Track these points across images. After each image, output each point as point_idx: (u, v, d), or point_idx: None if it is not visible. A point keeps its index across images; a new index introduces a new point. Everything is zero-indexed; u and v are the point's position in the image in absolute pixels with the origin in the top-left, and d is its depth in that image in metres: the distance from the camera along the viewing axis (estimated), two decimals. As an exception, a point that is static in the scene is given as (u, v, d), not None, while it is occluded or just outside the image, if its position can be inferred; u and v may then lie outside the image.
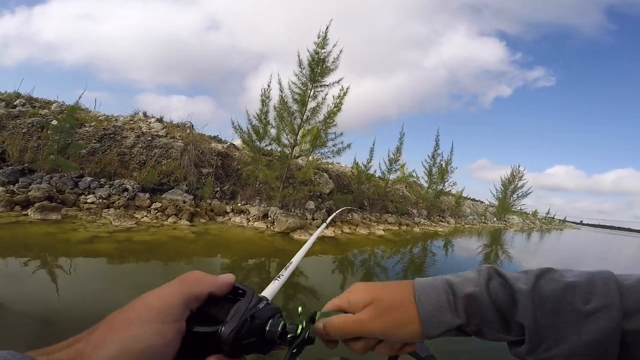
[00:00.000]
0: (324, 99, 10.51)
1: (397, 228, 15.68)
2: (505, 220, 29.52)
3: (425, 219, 19.55)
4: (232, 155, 12.11)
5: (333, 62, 10.61)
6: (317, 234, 1.39)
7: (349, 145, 11.77)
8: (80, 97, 9.64)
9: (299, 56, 10.54)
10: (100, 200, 8.34)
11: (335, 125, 11.01)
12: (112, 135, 10.43)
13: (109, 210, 8.05)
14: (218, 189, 10.67)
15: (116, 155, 9.89)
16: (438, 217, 21.72)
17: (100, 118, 11.55)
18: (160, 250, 6.38)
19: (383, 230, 13.66)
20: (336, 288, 5.81)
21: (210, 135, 13.84)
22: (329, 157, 11.40)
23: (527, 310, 0.37)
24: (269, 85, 11.22)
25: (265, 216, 10.15)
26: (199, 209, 9.33)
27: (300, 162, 13.41)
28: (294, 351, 0.37)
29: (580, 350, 0.34)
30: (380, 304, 0.42)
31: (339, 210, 3.04)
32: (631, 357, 0.33)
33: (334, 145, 11.12)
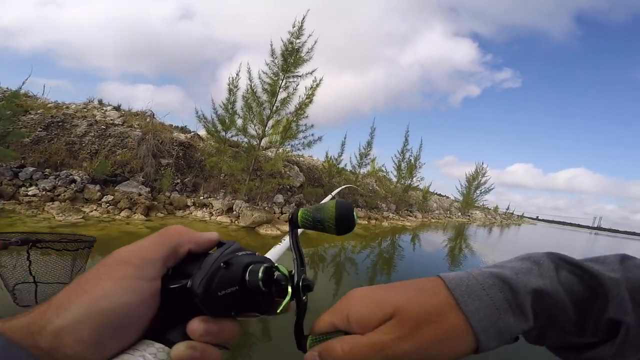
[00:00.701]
0: (295, 89, 10.12)
1: (367, 222, 15.60)
2: (469, 215, 30.46)
3: (393, 213, 19.67)
4: (196, 146, 11.44)
5: (307, 52, 10.21)
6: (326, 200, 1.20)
7: (320, 138, 11.44)
8: (24, 82, 8.66)
9: (271, 45, 10.06)
10: (44, 192, 7.51)
11: (307, 117, 10.64)
12: (60, 124, 9.49)
13: (53, 204, 7.26)
14: (178, 181, 10.00)
15: (64, 145, 9.00)
16: (406, 211, 21.96)
17: (49, 105, 10.50)
18: (109, 248, 5.72)
19: (352, 224, 13.51)
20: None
21: (173, 125, 13.03)
22: (299, 150, 11.02)
23: (625, 303, 0.29)
24: (237, 74, 10.68)
25: (229, 210, 9.63)
26: (156, 203, 8.67)
27: (270, 154, 12.93)
28: (304, 300, 0.31)
29: None
30: (405, 317, 0.29)
31: (341, 187, 2.85)
32: None
33: (304, 138, 10.74)
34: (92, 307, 0.23)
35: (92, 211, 7.52)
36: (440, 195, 33.31)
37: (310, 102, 10.40)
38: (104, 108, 11.27)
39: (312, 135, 10.80)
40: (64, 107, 10.72)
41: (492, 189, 28.95)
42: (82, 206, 7.62)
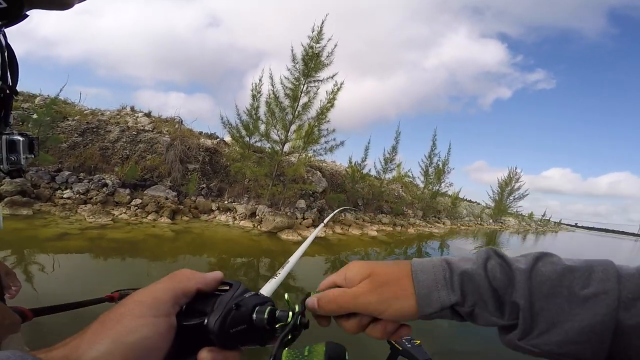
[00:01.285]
0: (316, 93, 10.07)
1: (392, 229, 15.23)
2: (502, 222, 29.07)
3: (420, 219, 19.10)
4: (222, 152, 11.64)
5: (327, 56, 10.17)
6: (314, 234, 1.37)
7: (342, 143, 11.32)
8: (61, 89, 9.23)
9: (292, 50, 10.10)
10: (78, 195, 7.88)
11: (328, 121, 10.56)
12: (95, 129, 9.96)
13: (85, 206, 7.59)
14: (204, 185, 10.20)
15: (98, 150, 9.43)
16: (434, 218, 21.29)
17: (85, 112, 11.08)
18: (134, 250, 5.92)
19: (376, 231, 13.21)
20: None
21: (201, 132, 13.38)
22: (321, 155, 10.93)
23: (524, 289, 0.35)
24: (260, 80, 10.81)
25: (252, 215, 9.69)
26: (182, 207, 8.87)
27: (293, 159, 12.96)
28: (288, 338, 0.36)
29: (574, 337, 0.33)
30: (376, 278, 0.41)
31: (336, 211, 2.96)
32: (622, 349, 0.32)
33: (326, 142, 10.66)
34: (119, 340, 0.27)
35: (121, 214, 7.79)
36: (470, 201, 32.07)
37: (332, 106, 10.32)
38: (136, 114, 11.74)
39: (334, 140, 10.69)
40: (99, 113, 11.27)
41: (527, 194, 27.49)
42: (112, 209, 7.92)
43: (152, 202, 8.31)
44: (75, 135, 9.56)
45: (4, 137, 0.68)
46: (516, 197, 27.63)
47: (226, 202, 10.13)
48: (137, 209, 8.06)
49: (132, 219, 7.72)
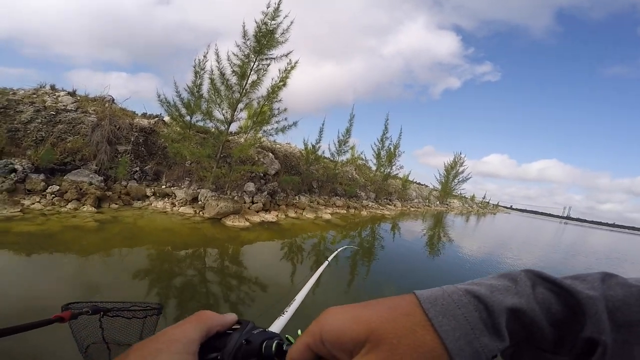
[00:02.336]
0: (266, 71, 9.37)
1: (345, 211, 15.19)
2: (447, 204, 30.55)
3: (373, 202, 19.32)
4: (160, 132, 10.58)
5: (282, 34, 9.44)
6: (320, 270, 1.36)
7: (295, 124, 10.81)
8: None
9: (244, 26, 9.23)
10: (-24, 183, 6.61)
11: (280, 100, 9.94)
12: (2, 110, 8.47)
13: (-11, 196, 6.38)
14: (137, 169, 9.20)
15: (6, 132, 8.03)
16: (386, 200, 21.68)
17: (-10, 89, 9.41)
18: (47, 245, 5.03)
19: (330, 214, 13.03)
20: (282, 277, 4.89)
21: (135, 112, 12.05)
22: (271, 135, 10.32)
23: (603, 323, 0.28)
24: (205, 56, 9.86)
25: (194, 200, 8.94)
26: (110, 193, 7.89)
27: (242, 140, 12.19)
28: None
29: None
30: (383, 343, 0.27)
31: (339, 249, 2.67)
32: None
33: (277, 123, 10.06)
34: None
35: (33, 203, 6.69)
36: (419, 184, 33.32)
37: (284, 85, 9.71)
38: (57, 93, 10.22)
39: (286, 119, 10.13)
40: (10, 92, 9.64)
41: (469, 178, 29.14)
42: (23, 198, 6.78)
43: (73, 189, 7.25)
44: (-25, 113, 8.05)
45: None
46: (460, 180, 29.14)
47: (164, 186, 9.23)
48: (54, 197, 6.98)
49: (48, 208, 6.66)
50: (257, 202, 9.98)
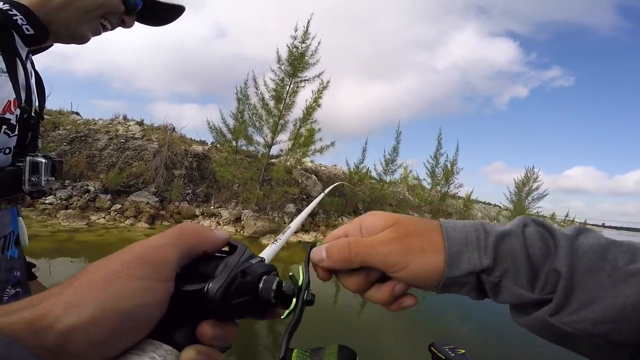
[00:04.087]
0: (295, 92, 10.01)
1: (394, 233, 14.87)
2: (521, 226, 27.87)
3: (428, 223, 18.56)
4: (212, 157, 11.73)
5: (311, 55, 10.12)
6: (315, 202, 1.36)
7: (332, 144, 11.23)
8: (45, 99, 9.52)
9: (277, 52, 10.13)
10: (60, 201, 8.09)
11: (314, 121, 10.47)
12: (84, 138, 10.28)
13: (67, 212, 7.77)
14: (189, 191, 10.29)
15: (85, 157, 9.70)
16: (444, 222, 20.66)
17: (78, 122, 11.47)
18: (99, 252, 5.95)
19: (374, 234, 12.90)
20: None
21: (193, 138, 13.57)
22: (307, 156, 10.82)
23: (567, 257, 0.32)
24: (245, 83, 10.86)
25: (237, 220, 9.67)
26: (163, 212, 8.97)
27: (289, 164, 12.90)
28: (297, 310, 0.32)
29: (612, 315, 0.30)
30: (402, 226, 0.37)
31: (333, 185, 2.89)
32: None
33: (313, 144, 10.55)
34: (109, 307, 0.22)
35: (99, 219, 7.93)
36: (487, 204, 31.03)
37: (318, 105, 10.24)
38: (128, 123, 12.05)
39: (320, 139, 10.58)
40: (92, 123, 11.63)
41: (546, 194, 26.19)
42: (92, 214, 8.08)
43: (132, 207, 8.43)
44: (64, 143, 9.88)
45: (27, 158, 0.71)
46: (535, 197, 26.47)
47: (212, 207, 10.16)
48: (116, 214, 8.20)
49: (110, 223, 7.85)
50: (296, 222, 10.41)
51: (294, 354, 0.34)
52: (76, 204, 8.09)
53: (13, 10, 0.67)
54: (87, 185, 8.80)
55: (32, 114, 0.73)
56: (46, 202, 8.02)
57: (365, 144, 14.73)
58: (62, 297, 0.22)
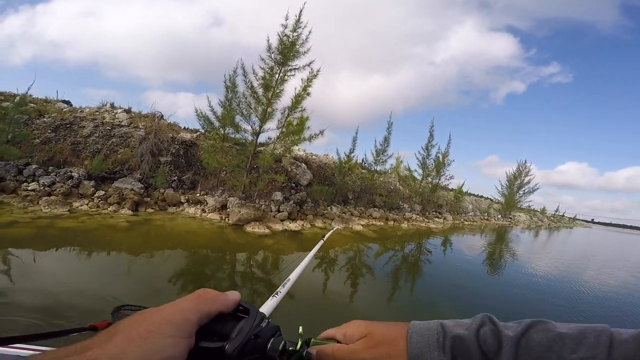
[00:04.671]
0: (284, 80, 9.98)
1: (383, 223, 14.99)
2: (510, 218, 28.18)
3: (418, 214, 18.74)
4: (200, 145, 11.71)
5: (302, 44, 10.07)
6: (313, 251, 1.41)
7: (321, 132, 11.24)
8: (29, 88, 9.48)
9: (268, 40, 10.06)
10: (43, 188, 8.08)
11: (303, 110, 10.46)
12: (68, 125, 10.22)
13: (49, 198, 7.76)
14: (176, 178, 10.29)
15: (70, 145, 9.66)
16: (434, 212, 20.85)
17: (64, 110, 11.38)
18: (79, 238, 6.00)
19: (363, 225, 13.01)
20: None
21: (181, 126, 13.51)
22: (297, 145, 10.83)
23: (509, 355, 0.38)
24: (234, 72, 10.80)
25: (223, 207, 9.72)
26: (148, 199, 8.98)
27: (278, 152, 12.90)
28: None
29: None
30: (373, 337, 0.45)
31: (331, 231, 2.89)
32: None
33: (300, 132, 10.55)
34: (145, 358, 0.28)
35: (82, 205, 7.94)
36: (480, 196, 31.28)
37: (307, 94, 10.22)
38: (115, 111, 11.98)
39: (308, 128, 10.59)
40: (78, 110, 11.54)
41: (537, 189, 26.62)
42: (75, 201, 8.08)
43: (116, 194, 8.43)
44: (49, 131, 9.82)
45: None
46: (526, 191, 26.78)
47: (198, 194, 10.18)
48: (99, 201, 8.20)
49: (93, 210, 7.86)
50: (282, 211, 10.47)
51: (311, 342, 0.45)
52: (59, 190, 8.08)
53: None
54: (71, 172, 8.78)
55: None
56: (28, 188, 8.01)
57: (356, 133, 14.79)
58: (105, 349, 0.28)
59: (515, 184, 26.47)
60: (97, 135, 10.25)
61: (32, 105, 10.85)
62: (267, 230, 8.87)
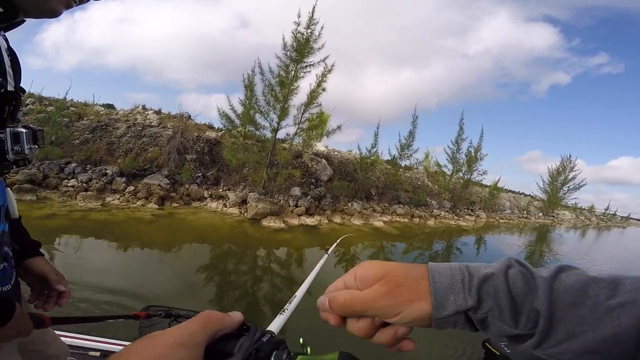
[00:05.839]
0: (300, 77, 10.37)
1: (407, 220, 14.91)
2: (553, 216, 26.68)
3: (448, 211, 18.40)
4: (224, 143, 12.40)
5: (314, 40, 10.41)
6: (319, 265, 1.37)
7: (339, 127, 11.55)
8: (66, 93, 10.60)
9: (283, 38, 10.50)
10: (80, 184, 9.04)
11: (319, 105, 10.80)
12: (104, 127, 11.27)
13: (85, 193, 8.69)
14: (200, 174, 11.00)
15: (105, 144, 10.66)
16: (466, 210, 20.33)
17: (101, 112, 12.53)
18: (107, 229, 6.74)
19: (384, 222, 13.06)
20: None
21: (214, 125, 14.37)
22: (315, 140, 11.20)
23: (545, 297, 0.36)
24: (253, 71, 11.33)
25: (243, 202, 10.27)
26: (174, 194, 9.72)
27: (299, 148, 13.34)
28: None
29: (594, 347, 0.33)
30: (391, 279, 0.41)
31: (339, 240, 2.90)
32: None
33: (307, 128, 10.98)
34: None
35: (113, 200, 8.80)
36: (520, 193, 29.92)
37: (323, 90, 10.54)
38: (146, 112, 12.98)
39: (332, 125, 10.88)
40: (114, 113, 12.64)
41: (584, 185, 24.89)
42: (108, 196, 8.96)
43: (144, 189, 9.24)
44: (87, 132, 10.90)
45: (8, 129, 0.75)
46: (571, 187, 25.23)
47: (220, 190, 10.83)
48: (129, 195, 9.04)
49: (123, 204, 8.69)
50: (300, 206, 10.86)
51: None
52: (94, 186, 9.01)
53: None
54: (105, 170, 9.73)
55: (9, 89, 0.76)
56: (68, 185, 9.00)
57: (377, 128, 14.83)
58: None
59: (559, 180, 25.02)
60: (129, 135, 11.21)
61: (73, 108, 12.07)
62: (282, 225, 9.29)
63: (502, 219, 22.11)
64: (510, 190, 27.65)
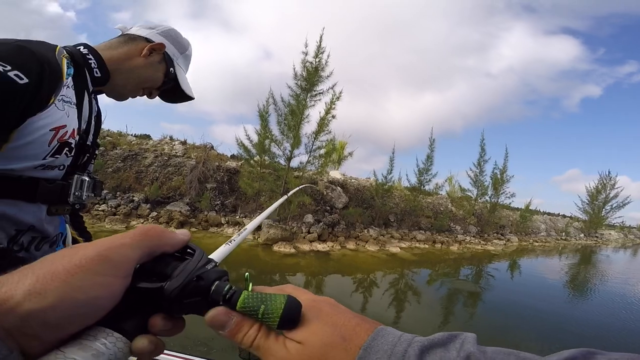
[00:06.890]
0: (311, 106, 11.11)
1: (428, 246, 14.85)
2: (597, 236, 25.12)
3: (474, 236, 18.07)
4: (243, 172, 13.26)
5: (322, 69, 11.14)
6: (275, 205, 1.34)
7: (350, 154, 12.04)
8: (102, 123, 11.86)
9: (294, 68, 11.35)
10: (110, 208, 10.09)
11: (329, 132, 11.43)
12: (134, 156, 12.49)
13: (113, 217, 9.71)
14: (219, 202, 11.83)
15: (134, 173, 11.81)
16: (495, 234, 19.83)
17: (132, 142, 13.88)
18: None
19: (402, 248, 13.14)
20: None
21: (233, 154, 15.39)
22: (327, 167, 11.76)
23: None
24: (267, 101, 12.19)
25: (258, 228, 10.89)
26: (193, 220, 10.55)
27: (310, 174, 13.93)
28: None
29: None
30: (308, 349, 0.32)
31: (298, 187, 2.96)
32: None
33: (319, 156, 11.59)
34: (67, 296, 0.26)
35: (137, 224, 9.72)
36: (557, 215, 28.59)
37: (333, 117, 11.18)
38: (173, 142, 14.19)
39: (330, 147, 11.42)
40: (144, 143, 13.95)
41: (628, 202, 23.47)
42: (133, 220, 9.93)
43: (166, 215, 10.13)
44: (119, 161, 12.14)
45: (75, 176, 0.84)
46: (614, 206, 23.86)
47: (237, 217, 11.57)
48: (152, 220, 9.95)
49: (145, 229, 9.58)
50: (312, 232, 11.32)
51: (242, 296, 0.35)
52: (121, 211, 10.04)
53: (89, 55, 0.87)
54: (133, 196, 10.79)
55: (88, 142, 0.84)
56: (99, 209, 10.09)
57: (393, 153, 15.13)
58: (23, 284, 0.25)
59: (599, 199, 23.79)
60: (156, 164, 12.35)
61: (109, 138, 13.48)
62: (293, 250, 9.78)
63: (537, 242, 21.25)
64: (546, 213, 26.54)
